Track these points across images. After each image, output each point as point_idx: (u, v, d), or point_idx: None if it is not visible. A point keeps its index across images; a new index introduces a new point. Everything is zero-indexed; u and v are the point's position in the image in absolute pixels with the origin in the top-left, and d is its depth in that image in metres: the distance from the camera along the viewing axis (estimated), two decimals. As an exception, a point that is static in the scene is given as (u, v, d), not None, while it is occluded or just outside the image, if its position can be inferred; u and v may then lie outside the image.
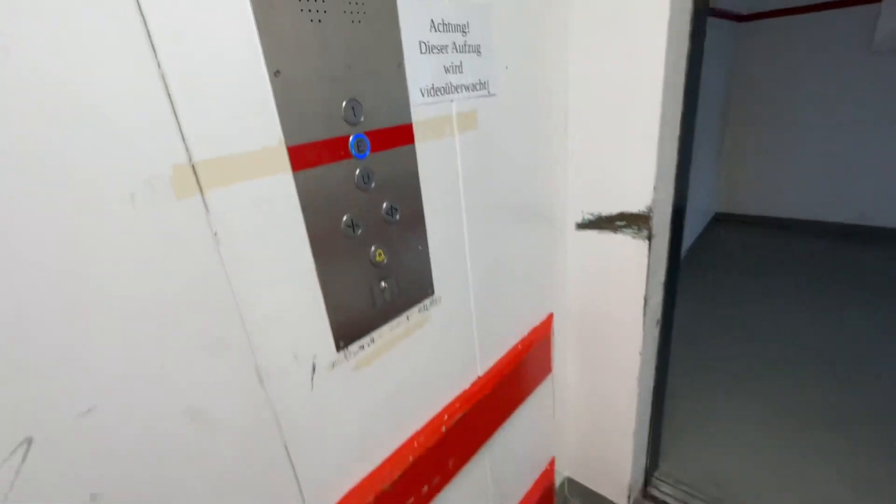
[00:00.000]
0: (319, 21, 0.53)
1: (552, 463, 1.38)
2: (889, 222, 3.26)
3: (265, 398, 0.57)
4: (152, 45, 0.41)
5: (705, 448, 1.67)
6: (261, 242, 0.53)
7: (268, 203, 0.52)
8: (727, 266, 3.14)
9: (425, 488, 0.83)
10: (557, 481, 1.46)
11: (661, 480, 1.56)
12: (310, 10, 0.52)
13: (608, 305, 1.16)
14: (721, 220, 3.94)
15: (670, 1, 0.84)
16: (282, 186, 0.54)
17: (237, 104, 0.48)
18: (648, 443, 1.44)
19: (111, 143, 0.40)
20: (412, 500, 0.81)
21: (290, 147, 0.53)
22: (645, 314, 1.11)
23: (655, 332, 1.22)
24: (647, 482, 1.54)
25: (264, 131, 0.51)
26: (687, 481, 1.55)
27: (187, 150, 0.45)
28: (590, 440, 1.38)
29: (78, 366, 0.41)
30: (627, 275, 1.09)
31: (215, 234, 0.48)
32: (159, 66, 0.42)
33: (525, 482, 1.26)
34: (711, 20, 2.77)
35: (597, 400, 1.29)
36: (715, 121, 3.41)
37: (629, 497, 1.36)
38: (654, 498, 1.51)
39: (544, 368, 1.17)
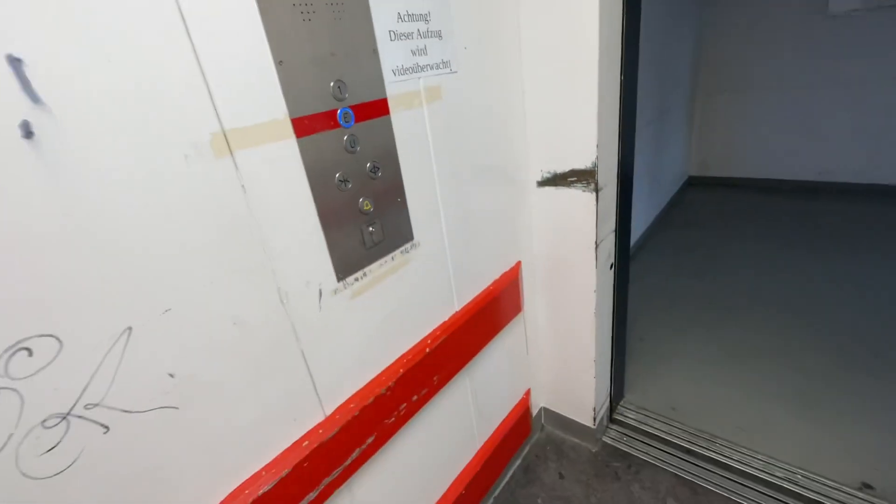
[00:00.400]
0: (310, 19, 0.69)
1: (528, 393, 1.59)
2: (846, 178, 3.48)
3: (285, 313, 0.75)
4: (193, 47, 0.57)
5: (667, 381, 1.90)
6: (276, 193, 0.70)
7: (279, 162, 0.69)
8: (699, 224, 3.36)
9: (415, 397, 1.03)
10: (534, 410, 1.68)
11: (626, 407, 1.79)
12: (302, 11, 0.68)
13: (568, 251, 1.35)
14: (694, 184, 4.15)
15: (600, -15, 1.00)
16: (289, 149, 0.70)
17: (253, 87, 0.64)
18: (611, 372, 1.66)
19: (174, 116, 0.57)
20: (405, 405, 1.00)
21: (294, 119, 0.70)
22: (597, 257, 1.30)
23: (609, 272, 1.42)
24: (613, 409, 1.77)
25: (274, 107, 0.67)
26: (648, 407, 1.78)
27: (220, 121, 0.61)
28: (561, 372, 1.59)
29: (158, 277, 0.59)
30: (581, 223, 1.27)
31: (242, 186, 0.66)
32: (199, 61, 0.58)
33: (504, 407, 1.47)
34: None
35: (563, 335, 1.50)
36: (686, 91, 3.58)
37: (594, 419, 1.59)
38: (619, 422, 1.74)
39: (515, 307, 1.37)
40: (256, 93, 0.65)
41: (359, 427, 0.90)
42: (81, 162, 0.51)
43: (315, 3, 0.69)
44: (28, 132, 0.47)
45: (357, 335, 0.89)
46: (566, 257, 1.35)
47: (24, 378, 0.50)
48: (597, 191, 1.21)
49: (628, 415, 1.76)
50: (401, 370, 0.98)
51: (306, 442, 0.81)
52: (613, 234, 1.38)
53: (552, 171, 1.27)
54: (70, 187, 0.50)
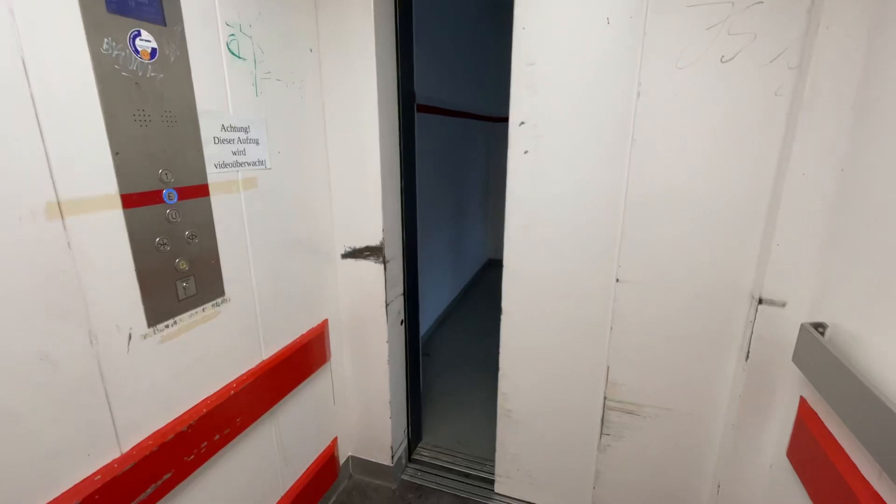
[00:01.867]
0: (146, 126, 0.93)
1: (334, 441, 1.78)
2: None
3: (94, 353, 0.88)
4: (41, 133, 0.76)
5: (456, 422, 2.31)
6: (99, 250, 0.87)
7: (105, 226, 0.87)
8: (495, 296, 4.14)
9: (217, 436, 1.16)
10: (342, 458, 1.87)
11: (423, 448, 2.11)
12: (140, 121, 0.92)
13: (366, 310, 1.68)
14: (492, 265, 5.11)
15: (378, 120, 1.48)
16: (115, 217, 0.89)
17: (90, 169, 0.84)
18: (408, 415, 1.98)
19: (17, 185, 0.73)
20: (206, 444, 1.13)
21: (123, 194, 0.90)
22: (388, 314, 1.67)
23: (400, 327, 1.80)
24: (412, 450, 2.06)
25: (106, 184, 0.87)
26: (441, 444, 2.14)
27: (56, 192, 0.79)
28: (364, 418, 1.84)
29: (-26, 314, 0.70)
30: (374, 287, 1.64)
31: (69, 243, 0.82)
32: (44, 144, 0.77)
33: (310, 454, 1.64)
34: (469, 120, 3.87)
35: (364, 382, 1.78)
36: (480, 193, 4.57)
37: (392, 457, 1.85)
38: (416, 461, 2.04)
39: (321, 358, 1.61)
40: (93, 174, 0.85)
41: (156, 463, 1.00)
42: (-76, 217, 0.64)
43: (152, 115, 0.94)
44: None
45: (163, 377, 1.03)
46: (365, 315, 1.69)
47: None
48: (384, 262, 1.61)
49: (424, 453, 2.08)
50: (204, 409, 1.12)
51: (98, 476, 0.89)
52: (402, 296, 1.79)
53: (352, 247, 1.63)
54: None
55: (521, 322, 1.60)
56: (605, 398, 1.54)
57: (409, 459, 2.04)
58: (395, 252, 1.69)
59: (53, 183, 0.79)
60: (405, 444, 1.99)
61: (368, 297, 1.66)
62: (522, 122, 1.40)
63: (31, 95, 0.74)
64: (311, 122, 1.47)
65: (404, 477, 1.95)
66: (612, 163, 1.35)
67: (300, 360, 1.49)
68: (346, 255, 1.65)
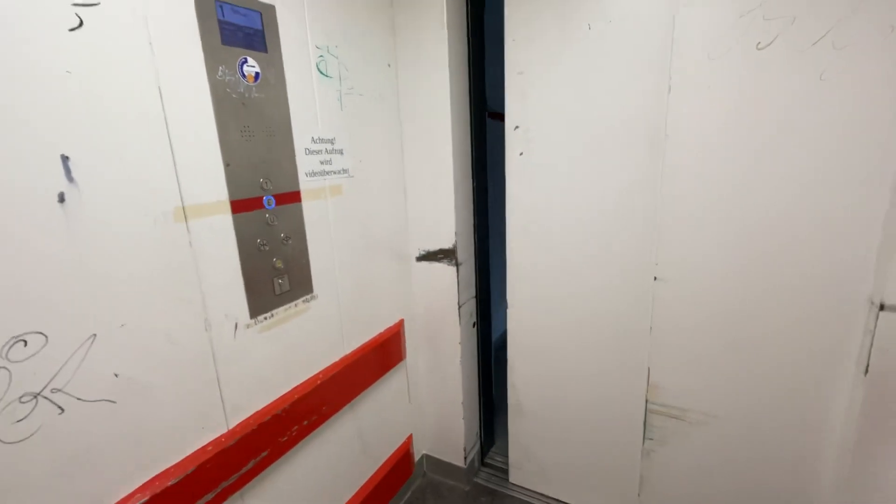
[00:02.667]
0: (250, 140, 1.06)
1: (410, 438, 1.85)
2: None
3: (208, 338, 1.01)
4: (172, 151, 0.91)
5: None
6: (213, 249, 1.00)
7: (218, 228, 1.01)
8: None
9: (305, 422, 1.27)
10: (417, 456, 1.92)
11: (496, 453, 2.10)
12: (246, 135, 1.05)
13: (439, 311, 1.73)
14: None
15: (451, 127, 1.53)
16: (225, 221, 1.02)
17: (207, 179, 0.98)
18: (480, 417, 1.99)
19: (154, 194, 0.87)
20: (296, 427, 1.24)
21: (232, 200, 1.03)
22: (460, 316, 1.71)
23: (472, 329, 1.82)
24: (484, 454, 2.06)
25: (219, 191, 1.00)
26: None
27: (181, 199, 0.93)
28: (438, 418, 1.89)
29: (122, 299, 0.84)
30: (447, 290, 1.69)
31: (190, 242, 0.95)
32: (174, 160, 0.91)
33: (386, 448, 1.71)
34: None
35: (438, 382, 1.83)
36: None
37: (465, 458, 1.87)
38: (490, 465, 2.04)
39: (397, 356, 1.69)
40: (209, 182, 0.98)
41: (256, 441, 1.11)
42: (90, 217, 0.79)
43: (255, 130, 1.07)
44: (61, 198, 0.75)
45: (262, 363, 1.15)
46: (438, 316, 1.74)
47: (17, 362, 0.72)
48: (457, 265, 1.65)
49: (497, 458, 2.07)
50: (295, 396, 1.23)
51: (210, 447, 1.02)
52: (474, 299, 1.82)
53: (426, 249, 1.70)
54: (81, 231, 0.78)
55: (527, 317, 1.67)
56: (646, 401, 1.48)
57: (482, 463, 2.05)
58: (467, 255, 1.72)
59: (180, 191, 0.93)
60: (478, 447, 2.00)
61: (442, 299, 1.71)
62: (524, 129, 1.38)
63: (165, 118, 0.89)
64: (389, 131, 1.57)
65: (477, 480, 1.95)
66: (640, 160, 1.34)
67: (378, 357, 1.57)
68: (420, 258, 1.72)
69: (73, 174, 0.76)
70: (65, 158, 0.75)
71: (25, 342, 0.73)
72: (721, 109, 1.20)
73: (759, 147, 1.17)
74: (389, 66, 1.54)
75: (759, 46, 1.12)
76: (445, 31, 1.46)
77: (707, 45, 1.18)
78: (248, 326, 1.10)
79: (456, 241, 1.63)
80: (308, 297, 1.27)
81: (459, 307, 1.70)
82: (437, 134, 1.56)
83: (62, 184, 0.75)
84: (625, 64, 1.30)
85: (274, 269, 1.15)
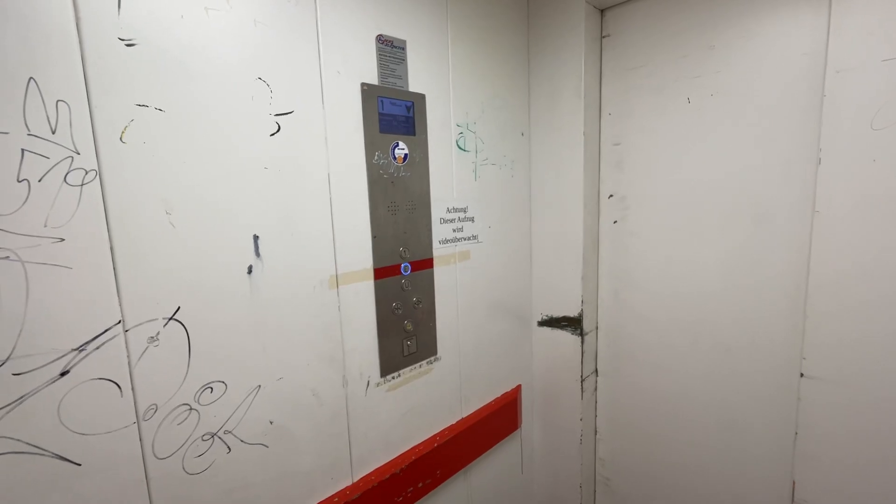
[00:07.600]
0: (395, 214, 1.17)
1: (520, 512, 1.74)
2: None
3: (344, 394, 1.10)
4: (333, 227, 1.04)
5: None
6: (356, 312, 1.10)
7: (362, 293, 1.11)
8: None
9: (420, 484, 1.28)
10: (525, 534, 1.80)
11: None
12: (391, 210, 1.16)
13: (559, 381, 1.65)
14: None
15: (583, 194, 1.49)
16: (368, 287, 1.13)
17: (357, 250, 1.10)
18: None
19: (315, 264, 1.01)
20: (412, 489, 1.26)
21: (375, 268, 1.14)
22: (583, 389, 1.59)
23: (594, 404, 1.68)
24: (602, 546, 1.84)
25: (365, 260, 1.12)
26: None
27: (336, 268, 1.05)
28: (550, 498, 1.75)
29: (283, 356, 0.97)
30: (569, 359, 1.60)
31: (339, 306, 1.07)
32: (333, 235, 1.04)
33: (496, 520, 1.63)
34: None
35: (554, 458, 1.71)
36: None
37: (581, 549, 1.69)
38: (607, 561, 1.81)
39: (513, 424, 1.63)
40: (358, 252, 1.10)
41: (376, 498, 1.16)
42: (268, 285, 0.93)
43: (399, 205, 1.18)
44: (250, 270, 0.91)
45: (387, 421, 1.21)
46: (558, 385, 1.65)
47: (205, 405, 0.86)
48: (582, 335, 1.56)
49: (617, 555, 1.83)
50: (413, 456, 1.25)
51: (336, 498, 1.08)
52: (595, 373, 1.69)
53: (549, 315, 1.64)
54: (260, 297, 0.92)
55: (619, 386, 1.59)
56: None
57: (599, 556, 1.83)
58: (593, 326, 1.62)
59: (335, 261, 1.05)
60: (595, 537, 1.79)
61: (563, 368, 1.63)
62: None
63: (330, 199, 1.03)
64: (519, 197, 1.59)
65: (592, 576, 1.74)
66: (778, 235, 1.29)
67: (493, 423, 1.54)
68: (542, 323, 1.67)
69: (261, 250, 0.92)
70: (255, 238, 0.91)
71: (212, 389, 0.87)
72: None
73: None
74: (523, 134, 1.59)
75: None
76: (582, 101, 1.46)
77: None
78: (378, 385, 1.17)
79: (582, 310, 1.55)
80: (432, 358, 1.32)
81: (583, 380, 1.59)
82: (567, 199, 1.53)
83: (251, 258, 0.91)
84: (738, 135, 1.31)
85: (404, 330, 1.22)
